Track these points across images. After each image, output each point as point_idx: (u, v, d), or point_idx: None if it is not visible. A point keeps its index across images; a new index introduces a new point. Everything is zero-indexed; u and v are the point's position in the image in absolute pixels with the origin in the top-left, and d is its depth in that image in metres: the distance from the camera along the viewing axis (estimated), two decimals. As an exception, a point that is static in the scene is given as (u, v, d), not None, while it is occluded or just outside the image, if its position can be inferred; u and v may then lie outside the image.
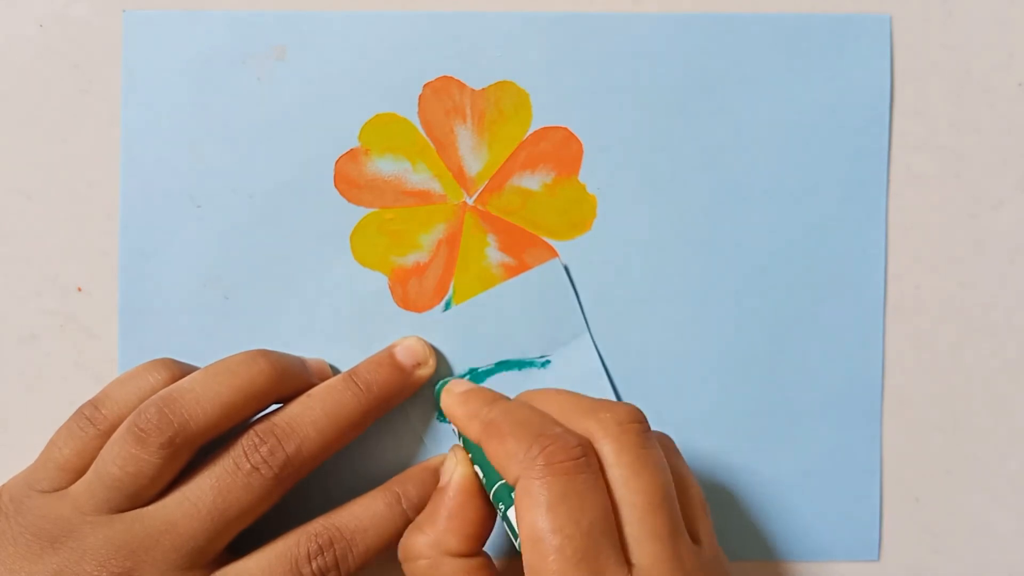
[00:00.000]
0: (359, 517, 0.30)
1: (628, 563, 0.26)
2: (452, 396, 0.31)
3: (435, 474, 0.32)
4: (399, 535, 0.30)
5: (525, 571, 0.26)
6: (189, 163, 0.33)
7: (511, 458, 0.27)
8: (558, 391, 0.30)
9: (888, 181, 0.34)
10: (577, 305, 0.34)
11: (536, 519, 0.26)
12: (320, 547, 0.29)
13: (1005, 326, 0.34)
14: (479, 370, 0.33)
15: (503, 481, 0.28)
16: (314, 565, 0.29)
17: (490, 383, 0.33)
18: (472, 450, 0.30)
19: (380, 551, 0.30)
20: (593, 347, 0.33)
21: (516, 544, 0.27)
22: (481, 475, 0.29)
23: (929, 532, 0.34)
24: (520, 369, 0.33)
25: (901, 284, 0.34)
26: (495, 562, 0.30)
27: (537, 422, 0.28)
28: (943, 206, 0.34)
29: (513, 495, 0.27)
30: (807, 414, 0.34)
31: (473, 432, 0.29)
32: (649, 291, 0.34)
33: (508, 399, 0.30)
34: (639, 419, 0.28)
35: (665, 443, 0.30)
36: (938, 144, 0.34)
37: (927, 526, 0.34)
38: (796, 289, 0.34)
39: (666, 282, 0.34)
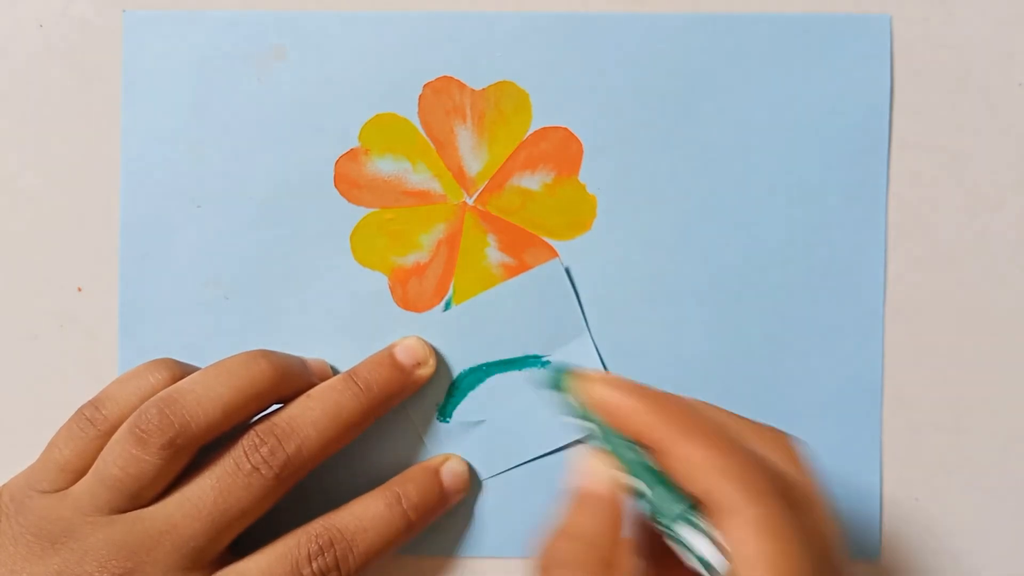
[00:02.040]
0: (359, 517, 0.30)
1: None
2: (605, 384, 0.26)
3: (435, 474, 0.32)
4: (400, 535, 0.30)
5: None
6: (189, 163, 0.33)
7: (714, 470, 0.23)
8: (708, 406, 0.27)
9: (888, 181, 0.34)
10: (577, 305, 0.34)
11: (777, 552, 0.22)
12: (320, 548, 0.29)
13: (1005, 326, 0.34)
14: (478, 369, 0.33)
15: (685, 502, 0.24)
16: (315, 566, 0.29)
17: (489, 383, 0.33)
18: (621, 454, 0.25)
19: (381, 551, 0.30)
20: (593, 347, 0.33)
21: (701, 569, 0.23)
22: (635, 484, 0.25)
23: (929, 532, 0.34)
24: (520, 369, 0.33)
25: (901, 284, 0.34)
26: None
27: (735, 429, 0.25)
28: (943, 206, 0.34)
29: (702, 518, 0.23)
30: (807, 414, 0.34)
31: (650, 426, 0.25)
32: (649, 291, 0.34)
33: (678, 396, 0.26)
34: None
35: None
36: (938, 144, 0.34)
37: (927, 526, 0.34)
38: (796, 289, 0.34)
39: (666, 282, 0.34)
